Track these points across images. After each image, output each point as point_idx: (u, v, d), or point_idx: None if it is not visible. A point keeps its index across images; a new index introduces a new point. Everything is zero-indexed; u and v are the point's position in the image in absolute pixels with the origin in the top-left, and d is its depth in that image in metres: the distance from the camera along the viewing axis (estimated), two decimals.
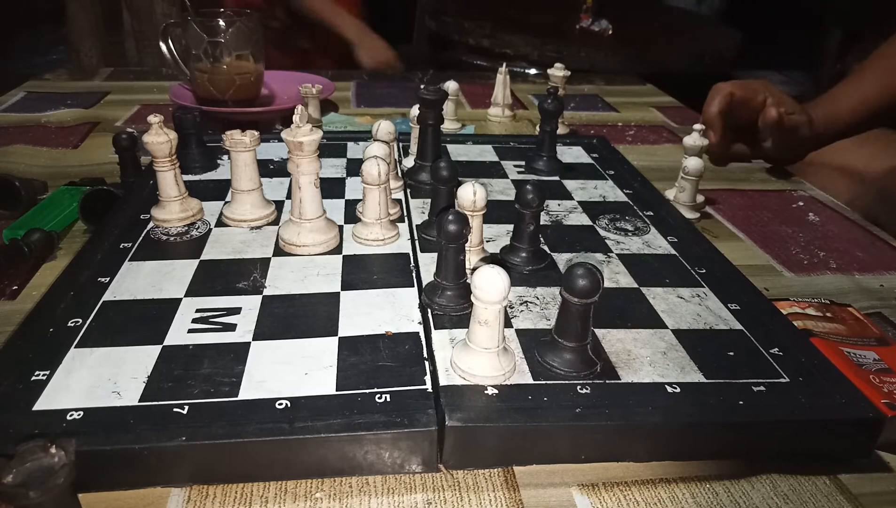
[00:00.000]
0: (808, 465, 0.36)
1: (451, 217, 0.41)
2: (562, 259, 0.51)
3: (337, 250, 0.50)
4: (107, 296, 0.43)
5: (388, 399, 0.35)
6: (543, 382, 0.37)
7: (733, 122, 0.77)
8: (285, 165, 0.56)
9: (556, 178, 0.66)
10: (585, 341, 0.38)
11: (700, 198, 0.65)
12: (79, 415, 0.33)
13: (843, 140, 0.84)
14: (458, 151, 0.72)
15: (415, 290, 0.45)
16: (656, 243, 0.54)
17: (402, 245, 0.51)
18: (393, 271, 0.48)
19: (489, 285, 0.35)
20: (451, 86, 0.82)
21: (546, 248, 0.52)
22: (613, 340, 0.41)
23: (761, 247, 0.61)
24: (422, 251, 0.51)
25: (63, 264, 0.50)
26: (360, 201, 0.53)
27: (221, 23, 0.81)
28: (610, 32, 1.80)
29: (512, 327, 0.42)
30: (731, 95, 0.76)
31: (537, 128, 0.70)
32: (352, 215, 0.55)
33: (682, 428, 0.35)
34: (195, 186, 0.59)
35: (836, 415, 0.36)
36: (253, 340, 0.40)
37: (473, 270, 0.36)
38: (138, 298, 0.43)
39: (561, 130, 0.77)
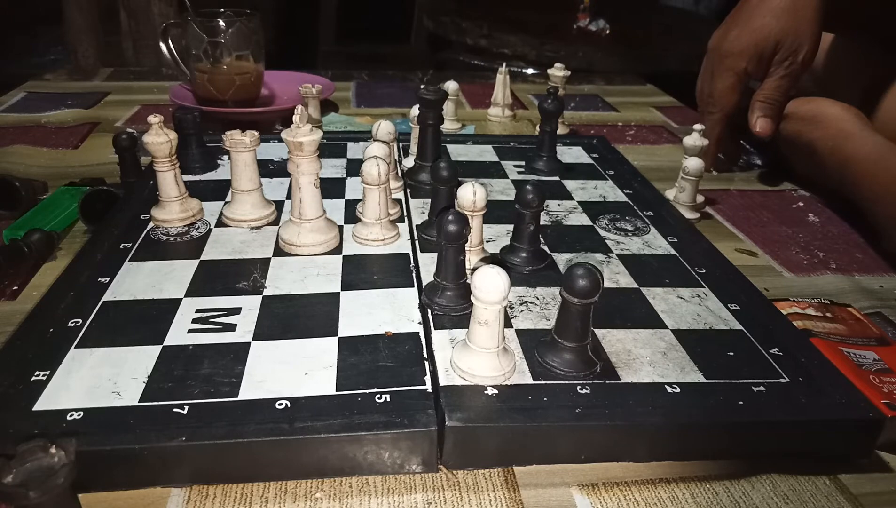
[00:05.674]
0: (808, 465, 0.36)
1: (451, 217, 0.41)
2: (562, 259, 0.51)
3: (337, 250, 0.50)
4: (107, 296, 0.43)
5: (388, 399, 0.35)
6: (543, 382, 0.37)
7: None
8: (285, 165, 0.55)
9: (556, 178, 0.66)
10: (585, 341, 0.38)
11: (700, 198, 0.65)
12: (79, 415, 0.33)
13: None
14: (458, 151, 0.72)
15: (415, 290, 0.45)
16: (656, 244, 0.54)
17: (402, 245, 0.51)
18: (393, 272, 0.48)
19: (489, 285, 0.35)
20: (451, 86, 0.82)
21: (546, 248, 0.52)
22: (613, 340, 0.41)
23: (761, 247, 0.61)
24: (422, 251, 0.50)
25: (63, 264, 0.50)
26: (360, 201, 0.53)
27: (221, 23, 0.81)
28: (607, 32, 1.80)
29: (512, 327, 0.42)
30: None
31: (537, 128, 0.70)
32: (352, 215, 0.55)
33: (682, 428, 0.35)
34: (195, 186, 0.59)
35: (836, 415, 0.36)
36: (253, 340, 0.39)
37: (473, 270, 0.36)
38: (138, 298, 0.43)
39: (561, 130, 0.77)
